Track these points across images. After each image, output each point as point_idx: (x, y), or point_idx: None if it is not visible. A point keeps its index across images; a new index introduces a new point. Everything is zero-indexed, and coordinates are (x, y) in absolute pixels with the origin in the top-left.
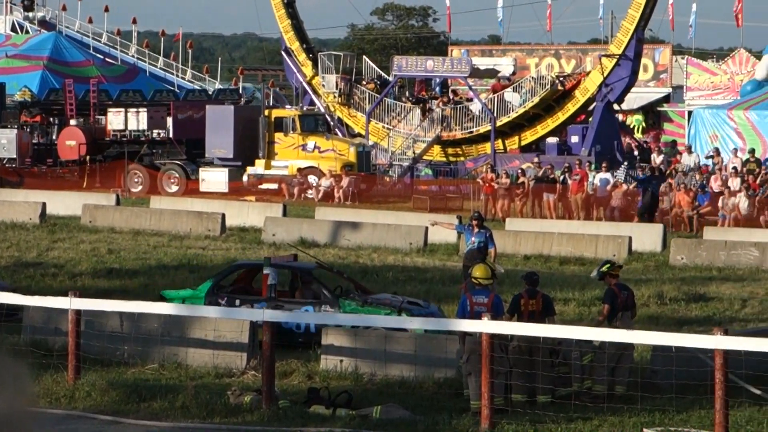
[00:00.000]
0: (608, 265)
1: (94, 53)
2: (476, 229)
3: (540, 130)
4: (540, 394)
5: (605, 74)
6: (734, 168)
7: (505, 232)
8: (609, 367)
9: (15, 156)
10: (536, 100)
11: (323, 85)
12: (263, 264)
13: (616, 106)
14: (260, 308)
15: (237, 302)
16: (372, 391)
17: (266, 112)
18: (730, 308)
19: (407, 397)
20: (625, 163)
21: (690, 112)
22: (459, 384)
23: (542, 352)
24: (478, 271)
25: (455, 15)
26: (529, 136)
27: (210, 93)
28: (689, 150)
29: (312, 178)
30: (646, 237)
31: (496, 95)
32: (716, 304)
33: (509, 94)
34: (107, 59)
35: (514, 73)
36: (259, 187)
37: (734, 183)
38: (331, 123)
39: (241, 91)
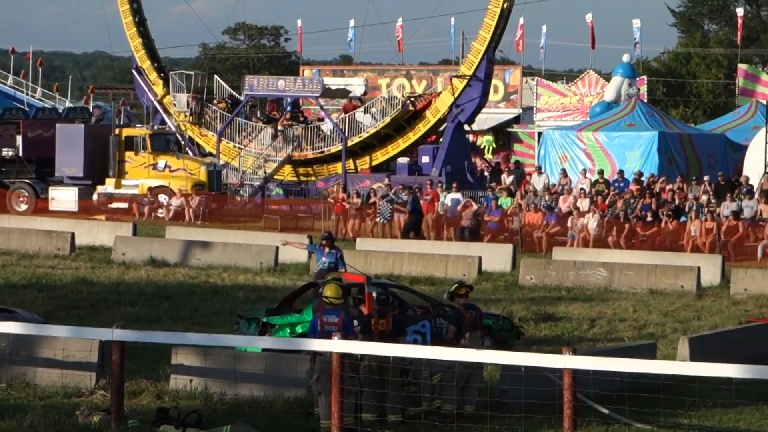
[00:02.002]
0: (456, 286)
1: None
2: (327, 250)
3: (391, 150)
4: (390, 414)
5: (456, 95)
6: (583, 189)
7: (356, 252)
8: (458, 387)
9: None
10: (387, 120)
11: (174, 104)
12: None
13: (466, 127)
14: None
15: (355, 322)
16: (222, 410)
17: (117, 131)
18: (579, 328)
19: (257, 417)
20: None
21: (540, 133)
22: (309, 403)
23: (392, 372)
24: (328, 291)
25: (307, 35)
26: (380, 156)
27: (60, 111)
28: (539, 171)
29: (162, 198)
30: (496, 257)
31: (347, 115)
32: (565, 323)
33: (360, 114)
34: None
35: (365, 93)
36: (110, 206)
37: (583, 204)
38: (182, 142)
39: (91, 110)
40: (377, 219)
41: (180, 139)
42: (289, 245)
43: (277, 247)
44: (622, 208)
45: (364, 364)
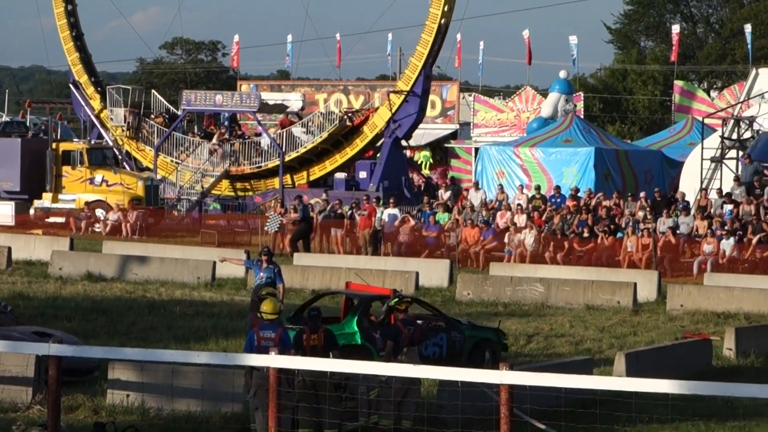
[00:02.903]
0: (396, 300)
1: None
2: (265, 265)
3: (328, 165)
4: (327, 429)
5: (393, 110)
6: (519, 204)
7: (293, 267)
8: (395, 402)
9: None
10: (325, 135)
11: (111, 119)
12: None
13: (403, 142)
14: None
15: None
16: (159, 425)
17: (54, 145)
18: (516, 343)
19: None
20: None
21: (477, 149)
22: (246, 418)
23: (328, 387)
24: (265, 306)
25: (244, 50)
26: (317, 172)
27: None
28: (476, 186)
29: (99, 212)
30: (433, 272)
31: (284, 130)
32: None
33: (298, 130)
34: None
35: (302, 109)
36: (46, 220)
37: (520, 219)
38: (119, 157)
39: (29, 124)
40: (266, 228)
41: (117, 153)
42: (227, 261)
43: (215, 262)
44: (559, 223)
45: (298, 379)
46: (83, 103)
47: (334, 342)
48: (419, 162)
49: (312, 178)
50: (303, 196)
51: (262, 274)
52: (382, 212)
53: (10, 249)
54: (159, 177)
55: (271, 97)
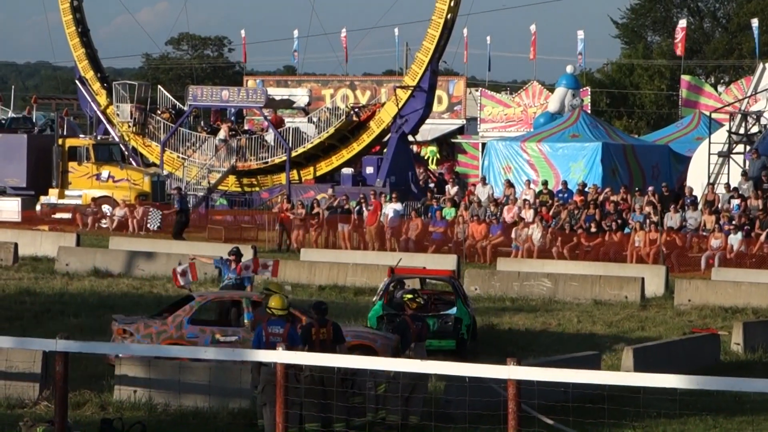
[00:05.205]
0: (410, 296)
1: None
2: (233, 266)
3: (335, 160)
4: (334, 424)
5: (400, 106)
6: (527, 200)
7: (300, 263)
8: (403, 397)
9: None
10: (331, 130)
11: (118, 115)
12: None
13: (410, 138)
14: None
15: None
16: (166, 421)
17: (60, 141)
18: (524, 338)
19: (201, 428)
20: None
21: (484, 144)
22: (253, 414)
23: (334, 382)
24: (273, 302)
25: (250, 45)
26: (324, 167)
27: (3, 122)
28: (483, 181)
29: (106, 208)
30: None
31: (291, 126)
32: (509, 334)
33: (304, 125)
34: None
35: (309, 104)
36: (53, 216)
37: (527, 215)
38: (126, 152)
39: (35, 120)
40: (148, 226)
41: (123, 149)
42: (197, 259)
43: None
44: (566, 219)
45: (304, 374)
46: (89, 99)
47: (342, 335)
48: (426, 157)
49: (319, 173)
50: (180, 187)
51: (230, 275)
52: (389, 208)
53: (16, 245)
54: (165, 173)
55: (278, 93)
